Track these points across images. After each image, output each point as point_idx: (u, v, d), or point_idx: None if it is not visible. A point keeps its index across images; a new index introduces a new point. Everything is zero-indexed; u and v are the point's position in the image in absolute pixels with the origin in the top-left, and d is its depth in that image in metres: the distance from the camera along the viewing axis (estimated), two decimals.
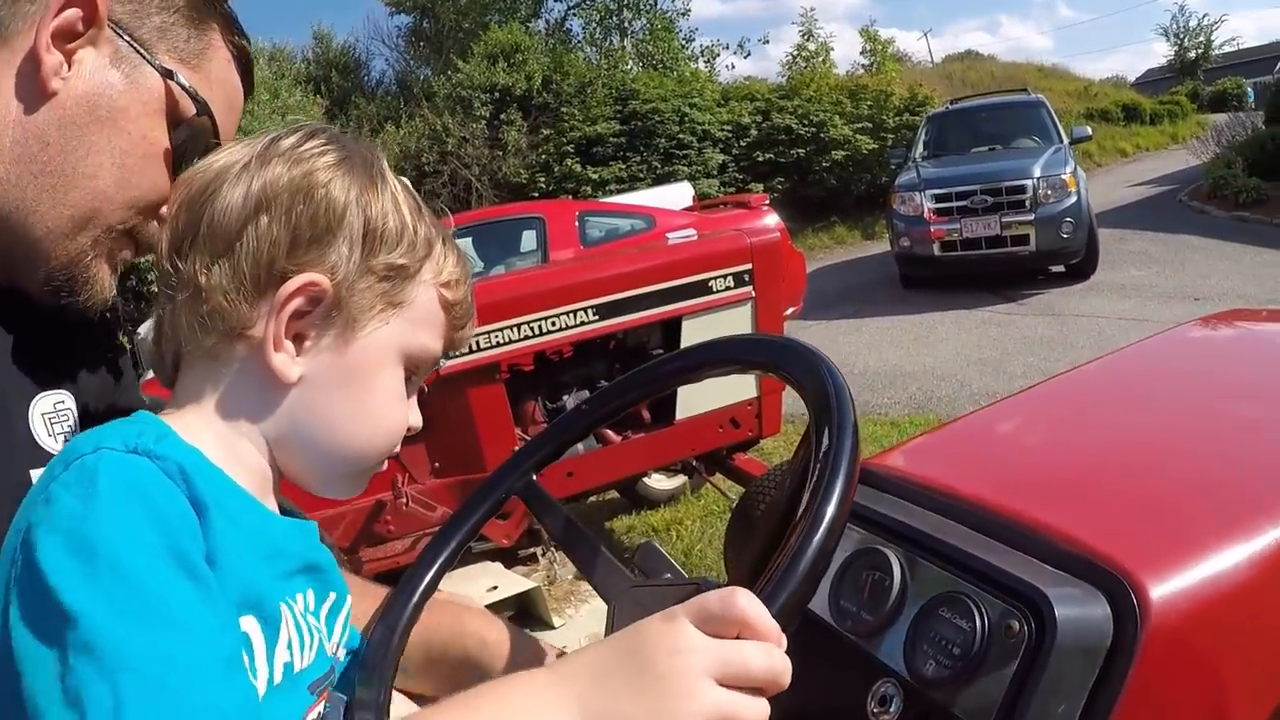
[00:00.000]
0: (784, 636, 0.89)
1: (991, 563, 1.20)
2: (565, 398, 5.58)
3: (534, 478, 1.44)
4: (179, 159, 1.28)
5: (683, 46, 29.50)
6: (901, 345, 11.23)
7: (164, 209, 1.26)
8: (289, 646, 1.07)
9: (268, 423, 1.14)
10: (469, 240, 10.15)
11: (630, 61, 27.94)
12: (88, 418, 1.31)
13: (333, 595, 1.23)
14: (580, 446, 5.41)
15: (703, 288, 5.49)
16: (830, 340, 11.99)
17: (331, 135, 1.20)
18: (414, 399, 1.25)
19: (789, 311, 7.16)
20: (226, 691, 0.86)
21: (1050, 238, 12.86)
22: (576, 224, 10.14)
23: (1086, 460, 1.64)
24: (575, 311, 5.20)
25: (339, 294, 1.12)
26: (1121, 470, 1.56)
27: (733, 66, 34.62)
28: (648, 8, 29.92)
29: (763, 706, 0.87)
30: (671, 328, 5.51)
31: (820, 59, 29.09)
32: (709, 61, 30.21)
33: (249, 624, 1.01)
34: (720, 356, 1.35)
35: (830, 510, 0.98)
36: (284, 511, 1.21)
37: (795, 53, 29.68)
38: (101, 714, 0.79)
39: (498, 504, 1.43)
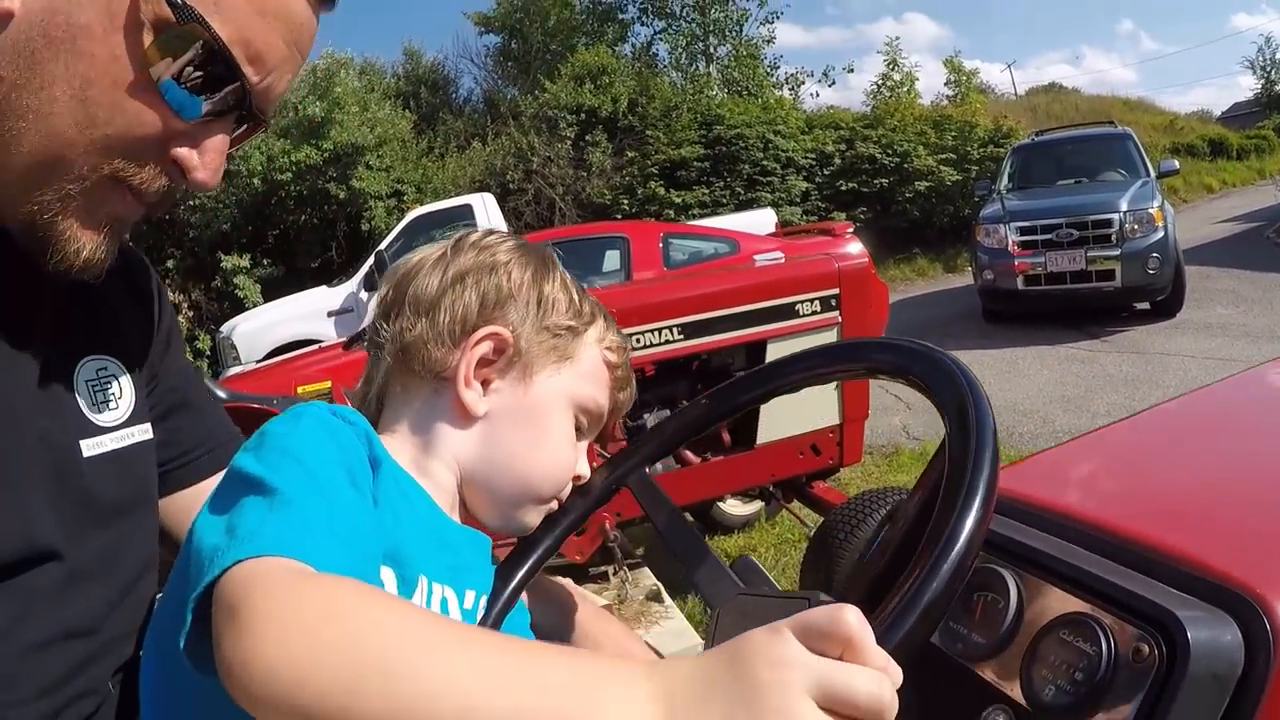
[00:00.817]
0: (896, 668, 0.82)
1: (1117, 583, 1.14)
2: (646, 416, 5.51)
3: (646, 471, 1.51)
4: (193, 88, 1.08)
5: (768, 74, 29.53)
6: (983, 380, 10.81)
7: (197, 171, 1.13)
8: None
9: (458, 449, 1.32)
10: None
11: (715, 87, 28.01)
12: (132, 387, 1.33)
13: (483, 603, 1.35)
14: (660, 466, 5.43)
15: (789, 311, 5.44)
16: None
17: (508, 235, 1.45)
18: (584, 451, 1.43)
19: None
20: (351, 552, 0.97)
21: (1136, 273, 12.58)
22: (660, 245, 10.16)
23: (1205, 486, 1.58)
24: (660, 330, 5.17)
25: (518, 345, 1.33)
26: (1243, 497, 1.49)
27: (817, 95, 34.63)
28: (733, 34, 30.02)
29: None
30: (756, 350, 5.45)
31: (905, 89, 28.94)
32: (793, 89, 30.25)
33: (387, 574, 1.13)
34: (857, 357, 1.34)
35: (966, 530, 0.94)
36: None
37: (880, 82, 29.55)
38: (252, 512, 0.96)
39: (609, 494, 1.50)
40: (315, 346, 7.95)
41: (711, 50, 29.46)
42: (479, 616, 1.31)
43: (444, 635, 0.83)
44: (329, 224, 21.58)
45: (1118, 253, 12.61)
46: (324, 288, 15.41)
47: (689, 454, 5.43)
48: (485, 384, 1.34)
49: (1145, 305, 13.35)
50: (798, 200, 23.42)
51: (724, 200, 22.54)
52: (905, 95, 28.50)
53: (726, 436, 5.54)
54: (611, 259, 10.31)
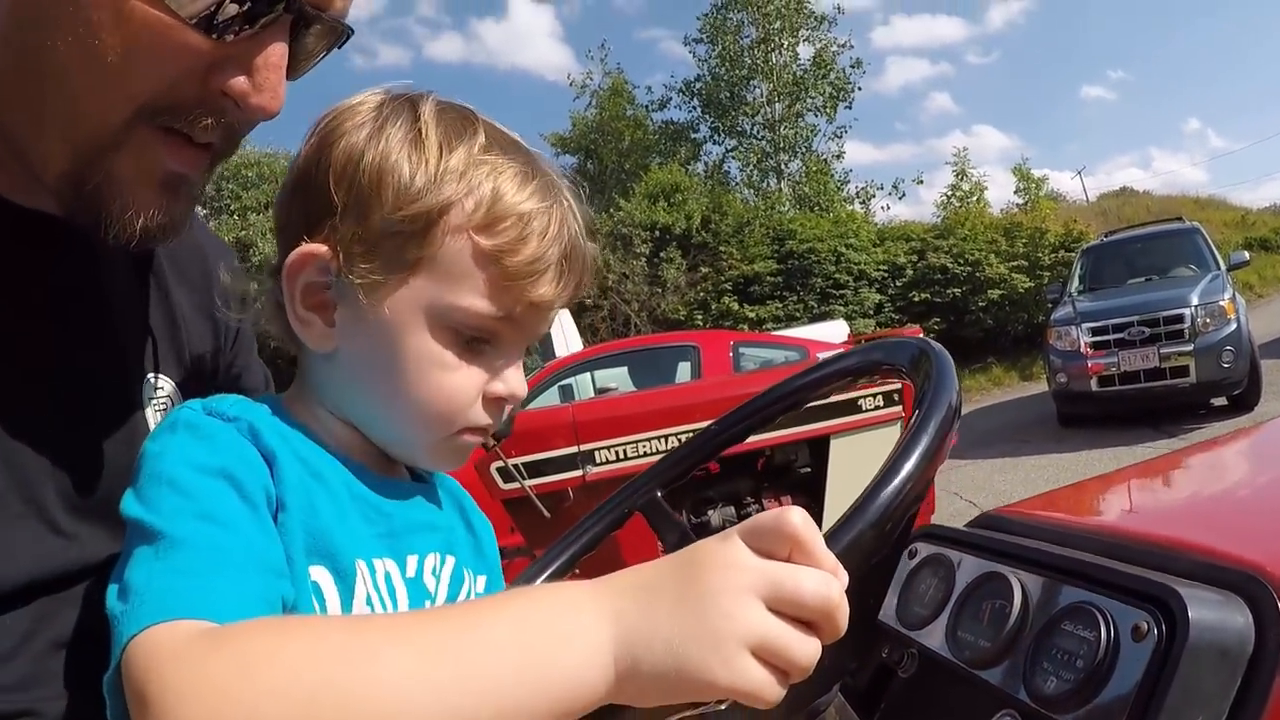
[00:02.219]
0: (844, 571, 0.82)
1: (1118, 569, 1.12)
2: (710, 512, 5.56)
3: (659, 495, 1.44)
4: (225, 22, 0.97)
5: (838, 188, 29.74)
6: (1058, 483, 10.47)
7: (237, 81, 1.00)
8: (368, 603, 1.07)
9: (333, 396, 1.15)
10: (624, 368, 10.29)
11: (787, 203, 28.23)
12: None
13: (452, 559, 1.23)
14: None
15: (852, 406, 5.48)
16: (985, 478, 11.78)
17: (377, 90, 1.14)
18: (511, 364, 1.15)
19: None
20: (251, 580, 0.92)
21: (1211, 368, 12.39)
22: (730, 353, 10.21)
23: (1216, 501, 1.55)
24: None
25: (341, 262, 1.08)
26: (1254, 507, 1.46)
27: (888, 208, 34.75)
28: (803, 151, 30.37)
29: (812, 646, 0.79)
30: (819, 446, 5.51)
31: (974, 198, 28.99)
32: (864, 202, 30.45)
33: (319, 573, 1.03)
34: (831, 371, 1.38)
35: (910, 462, 0.96)
36: (415, 477, 1.25)
37: (949, 192, 29.63)
38: (141, 565, 0.91)
39: (622, 518, 1.46)
40: None
41: (782, 166, 29.78)
42: (430, 579, 1.17)
43: (376, 639, 0.80)
44: None
45: (1191, 348, 12.44)
46: None
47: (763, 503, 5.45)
48: (325, 313, 1.12)
49: (1222, 400, 13.12)
50: (871, 312, 23.49)
51: (797, 314, 22.65)
52: (975, 205, 28.56)
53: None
54: (684, 369, 10.35)
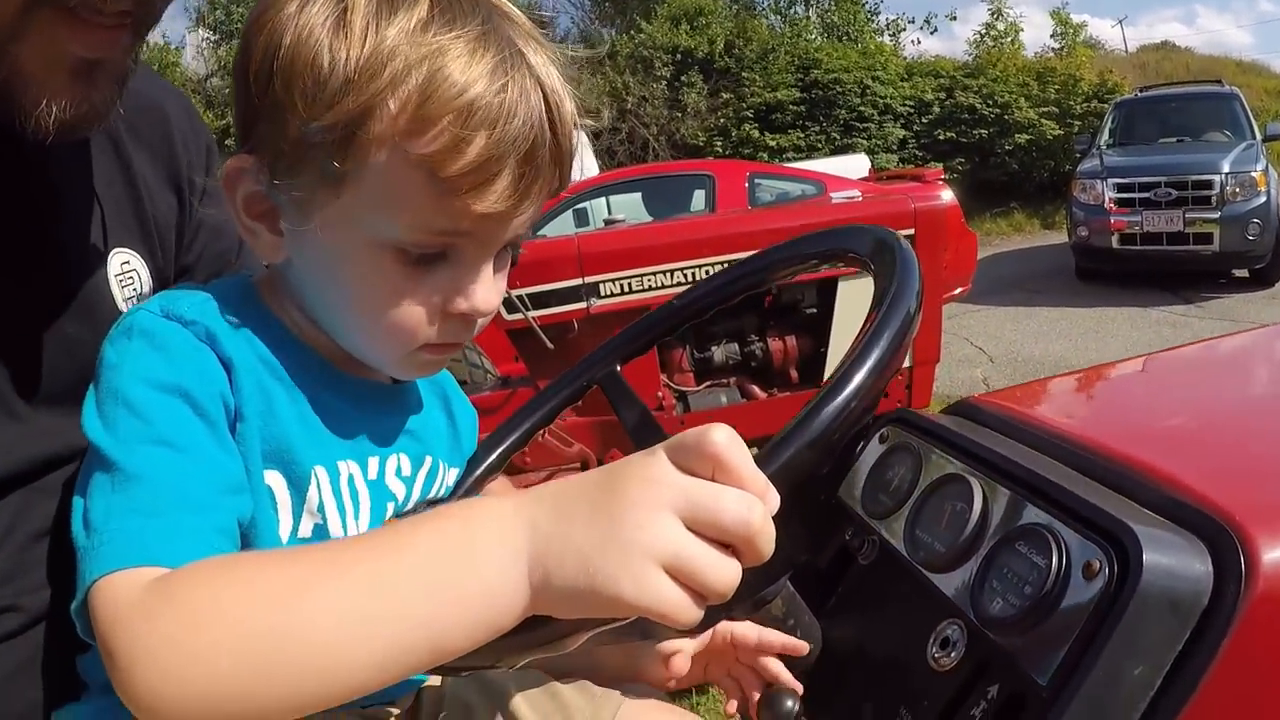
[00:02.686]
0: (774, 493, 0.79)
1: (1078, 495, 1.08)
2: (714, 348, 5.55)
3: (617, 369, 1.42)
4: None
5: (868, 19, 29.11)
6: (1070, 337, 10.92)
7: None
8: (320, 509, 1.06)
9: (296, 297, 1.10)
10: (638, 195, 10.18)
11: (814, 31, 27.69)
12: (150, 280, 1.27)
13: (429, 459, 1.22)
14: (724, 398, 5.44)
15: None
16: (998, 326, 11.81)
17: None
18: (474, 277, 1.04)
19: (957, 291, 7.04)
20: (206, 506, 0.93)
21: (1235, 238, 12.33)
22: (746, 185, 10.09)
23: (1204, 419, 1.51)
24: (730, 262, 5.11)
25: (268, 173, 1.00)
26: (1242, 432, 1.41)
27: (918, 42, 33.92)
28: None
29: (730, 569, 0.76)
30: (827, 287, 5.42)
31: (1009, 39, 28.43)
32: (894, 36, 29.74)
33: (274, 478, 1.03)
34: (793, 253, 1.36)
35: (858, 376, 0.94)
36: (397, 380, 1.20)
37: (983, 31, 29.02)
38: (100, 496, 0.92)
39: (580, 391, 1.43)
40: None
41: None
42: (394, 480, 1.16)
43: (308, 576, 0.81)
44: None
45: (1217, 215, 12.39)
46: None
47: (755, 388, 5.43)
48: (271, 222, 1.05)
49: (1243, 272, 13.09)
50: (894, 148, 23.23)
51: (819, 145, 22.43)
52: (1009, 45, 28.00)
53: (794, 373, 5.51)
54: (698, 198, 10.25)
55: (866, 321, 1.02)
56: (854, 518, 1.37)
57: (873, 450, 1.41)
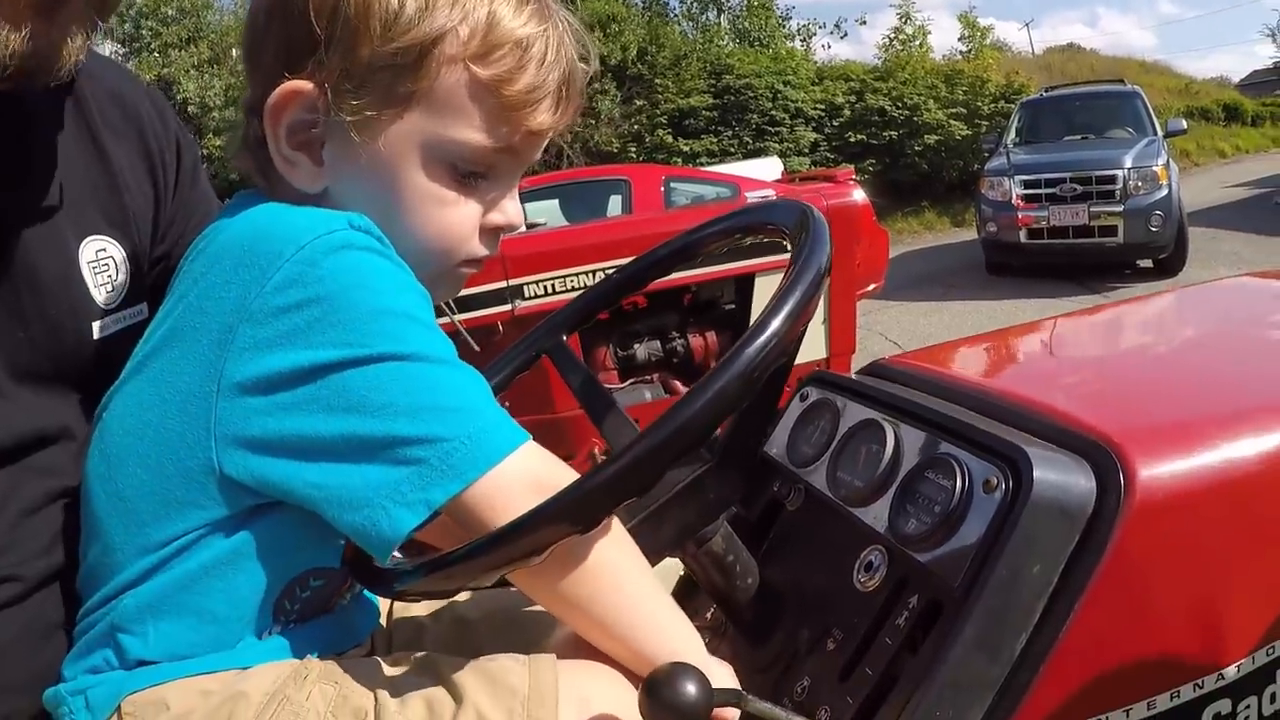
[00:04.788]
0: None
1: (978, 428, 1.23)
2: (636, 346, 5.66)
3: (564, 339, 1.51)
4: None
5: (779, 24, 29.28)
6: (981, 329, 10.91)
7: None
8: None
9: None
10: (555, 202, 10.22)
11: (726, 37, 27.80)
12: (127, 267, 1.29)
13: None
14: (648, 394, 5.54)
15: (777, 246, 5.48)
16: (911, 321, 11.98)
17: None
18: (507, 194, 1.17)
19: (870, 288, 7.18)
20: None
21: (1138, 230, 12.59)
22: (662, 189, 10.16)
23: (1091, 363, 1.70)
24: None
25: (329, 100, 1.06)
26: (1125, 370, 1.61)
27: (828, 47, 34.18)
28: None
29: None
30: (745, 283, 5.57)
31: (917, 43, 28.71)
32: (805, 40, 29.94)
33: None
34: (722, 228, 1.46)
35: (777, 319, 1.03)
36: None
37: (892, 35, 29.27)
38: (444, 385, 0.99)
39: (529, 361, 1.52)
40: None
41: (723, 1, 29.22)
42: None
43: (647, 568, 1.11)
44: None
45: (1121, 209, 12.65)
46: None
47: (678, 383, 5.54)
48: (312, 151, 1.10)
49: (1148, 263, 13.38)
50: (806, 151, 23.36)
51: (732, 149, 22.48)
52: (917, 49, 28.27)
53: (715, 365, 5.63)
54: (614, 203, 10.30)
55: (785, 274, 1.12)
56: (781, 470, 1.51)
57: (794, 408, 1.56)
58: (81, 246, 1.23)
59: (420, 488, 0.96)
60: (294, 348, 0.98)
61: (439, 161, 1.09)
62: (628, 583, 1.08)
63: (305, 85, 1.05)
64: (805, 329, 1.09)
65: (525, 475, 0.99)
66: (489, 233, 1.18)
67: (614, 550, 1.06)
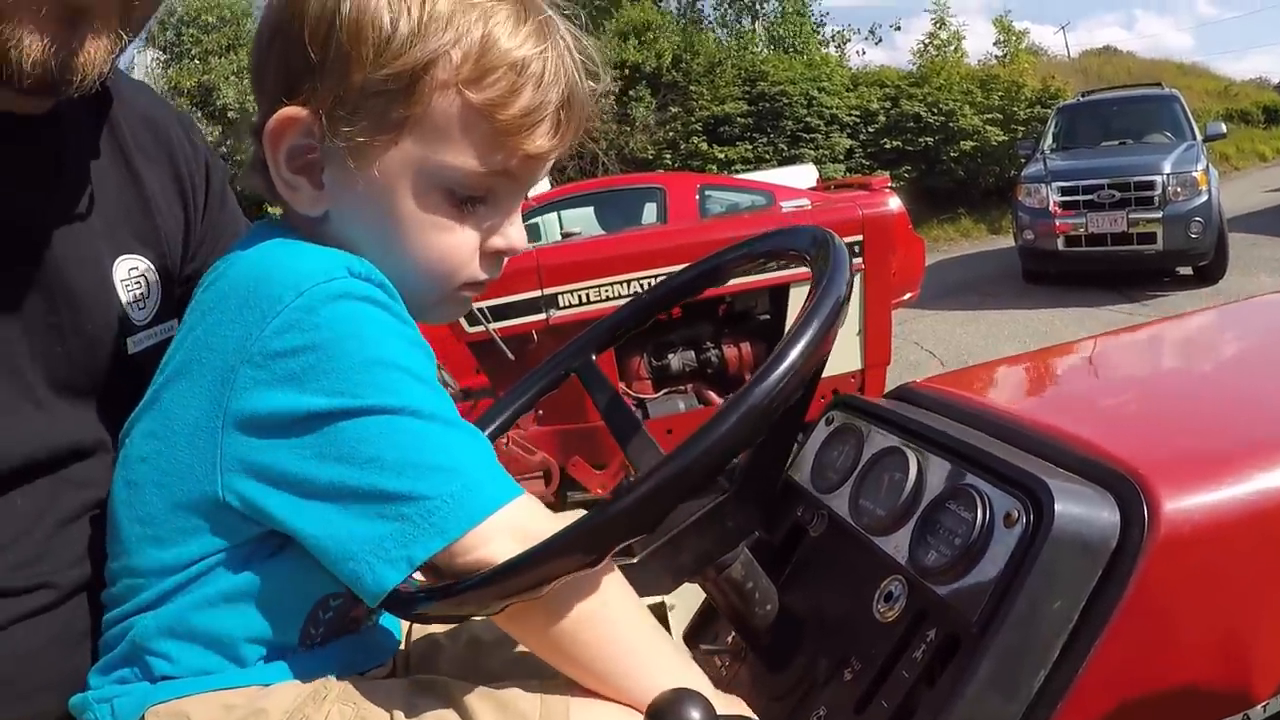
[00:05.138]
0: None
1: (1001, 458, 1.21)
2: (671, 356, 5.68)
3: (593, 358, 1.51)
4: None
5: (814, 31, 29.23)
6: (1018, 340, 10.98)
7: None
8: None
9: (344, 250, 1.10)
10: (590, 209, 10.22)
11: (760, 44, 27.78)
12: (159, 285, 1.31)
13: None
14: (682, 404, 5.54)
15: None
16: (947, 330, 11.93)
17: None
18: (508, 217, 1.16)
19: (906, 297, 7.16)
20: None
21: (1178, 237, 12.43)
22: (697, 197, 10.15)
23: (1117, 390, 1.68)
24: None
25: (324, 125, 1.05)
26: (1151, 398, 1.58)
27: (863, 53, 34.14)
28: None
29: None
30: (779, 294, 5.55)
31: (952, 48, 28.59)
32: (839, 47, 29.85)
33: None
34: (744, 253, 1.46)
35: (794, 351, 1.02)
36: None
37: (927, 40, 29.16)
38: (433, 442, 0.99)
39: (558, 380, 1.53)
40: None
41: (757, 7, 29.18)
42: None
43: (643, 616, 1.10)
44: None
45: (1159, 215, 12.49)
46: None
47: (712, 394, 5.53)
48: (312, 175, 1.10)
49: (1187, 270, 13.22)
50: (841, 157, 23.27)
51: (767, 156, 22.41)
52: (952, 54, 28.16)
53: (749, 378, 5.62)
54: (649, 211, 10.28)
55: (804, 304, 1.11)
56: (804, 495, 1.50)
57: (819, 432, 1.56)
58: (115, 264, 1.25)
59: (403, 545, 0.96)
60: (290, 391, 0.99)
61: (435, 187, 1.09)
62: (625, 623, 1.09)
63: (301, 112, 1.06)
64: (825, 362, 1.10)
65: (509, 530, 0.99)
66: (489, 257, 1.17)
67: (614, 591, 1.07)
